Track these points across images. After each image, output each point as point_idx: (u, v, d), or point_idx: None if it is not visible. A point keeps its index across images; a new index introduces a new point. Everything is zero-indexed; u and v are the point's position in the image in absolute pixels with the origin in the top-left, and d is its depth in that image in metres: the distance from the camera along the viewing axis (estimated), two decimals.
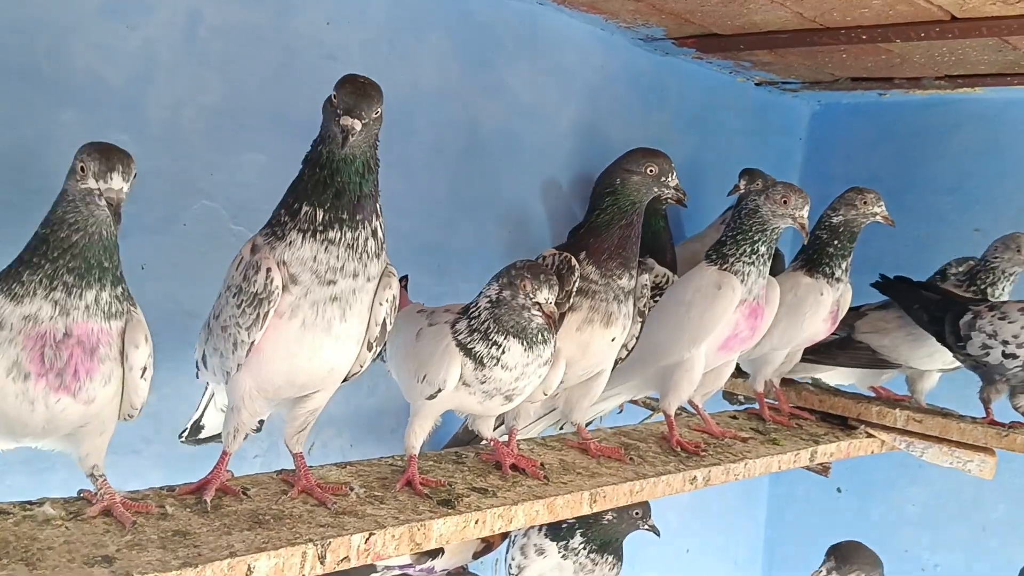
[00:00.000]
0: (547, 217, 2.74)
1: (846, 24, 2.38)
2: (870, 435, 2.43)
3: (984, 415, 2.39)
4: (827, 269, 2.33)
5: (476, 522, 1.52)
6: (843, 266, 2.35)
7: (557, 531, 2.25)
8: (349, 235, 1.36)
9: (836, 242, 2.33)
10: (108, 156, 1.20)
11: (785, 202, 1.98)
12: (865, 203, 2.30)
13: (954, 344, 2.46)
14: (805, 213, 2.00)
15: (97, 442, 1.31)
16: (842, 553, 2.41)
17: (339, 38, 2.19)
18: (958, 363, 2.57)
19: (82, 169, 1.20)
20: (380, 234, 1.42)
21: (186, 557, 1.20)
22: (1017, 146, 3.03)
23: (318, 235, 1.35)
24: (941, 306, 2.51)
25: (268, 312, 1.35)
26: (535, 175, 2.70)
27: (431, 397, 1.58)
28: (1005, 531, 3.04)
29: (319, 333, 1.38)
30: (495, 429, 1.81)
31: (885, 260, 2.71)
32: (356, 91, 1.36)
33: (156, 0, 1.90)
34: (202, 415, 1.79)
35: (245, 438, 1.50)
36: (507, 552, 2.39)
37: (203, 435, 1.81)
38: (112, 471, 1.35)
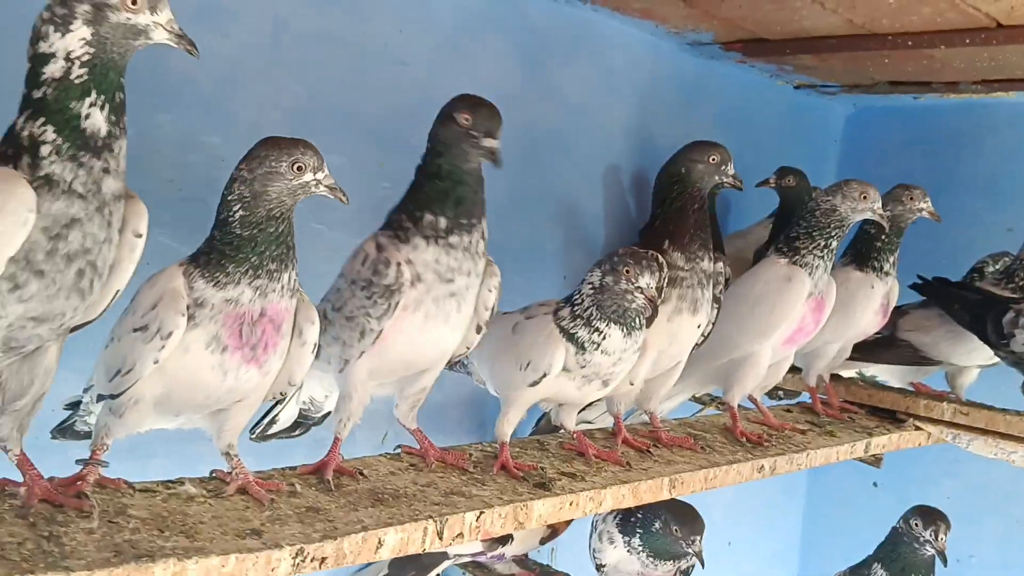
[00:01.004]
0: (601, 214, 2.83)
1: (894, 31, 2.47)
2: (918, 428, 2.51)
3: None
4: (876, 263, 2.42)
5: (570, 504, 1.60)
6: (891, 260, 2.44)
7: (625, 525, 2.32)
8: (466, 239, 1.52)
9: (884, 237, 2.41)
10: (313, 151, 1.38)
11: (865, 197, 2.09)
12: (912, 199, 2.39)
13: (997, 342, 2.53)
14: (880, 205, 2.10)
15: (242, 418, 1.42)
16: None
17: (409, 44, 2.27)
18: (996, 359, 2.65)
19: (297, 168, 1.35)
20: (486, 234, 1.56)
21: (324, 530, 1.28)
22: None
23: (440, 241, 1.51)
24: (982, 305, 2.59)
25: (398, 303, 1.49)
26: (588, 174, 2.79)
27: (534, 383, 1.68)
28: None
29: (439, 323, 1.54)
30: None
31: (921, 260, 2.78)
32: (491, 114, 1.54)
33: (245, 9, 1.99)
34: (279, 412, 1.87)
35: (353, 425, 1.59)
36: (589, 538, 2.46)
37: (273, 430, 1.89)
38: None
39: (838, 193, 2.18)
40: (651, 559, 2.28)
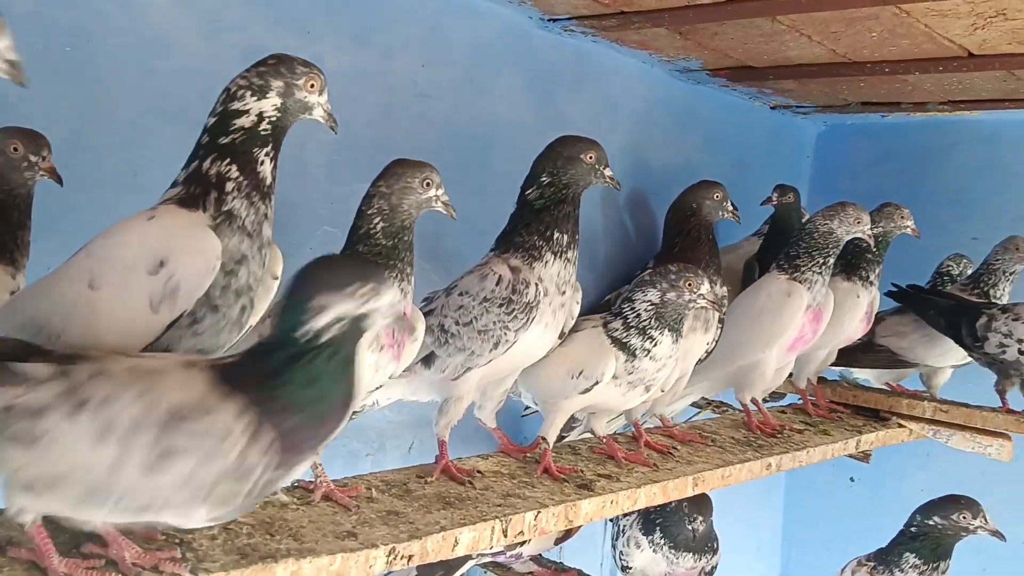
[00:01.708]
0: (600, 231, 3.00)
1: (873, 59, 2.68)
2: (901, 425, 2.72)
3: (1001, 405, 2.69)
4: (863, 273, 2.63)
5: (612, 502, 1.77)
6: (876, 271, 2.65)
7: (647, 524, 2.49)
8: (576, 253, 1.78)
9: (875, 250, 2.62)
10: (436, 171, 1.60)
11: (859, 222, 2.30)
12: (902, 217, 2.61)
13: (972, 344, 2.76)
14: (869, 228, 2.31)
15: None
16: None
17: (431, 79, 2.43)
18: (968, 360, 2.88)
19: (426, 184, 1.56)
20: None
21: (409, 531, 1.43)
22: (1012, 162, 3.35)
23: (562, 255, 1.76)
24: (955, 311, 2.82)
25: (535, 316, 1.73)
26: (591, 196, 2.94)
27: (586, 391, 1.83)
28: (1010, 512, 3.33)
29: (552, 331, 1.80)
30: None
31: (891, 268, 2.98)
32: (604, 151, 1.83)
33: (285, 49, 2.09)
34: None
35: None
36: (614, 543, 2.62)
37: None
38: None
39: (835, 217, 2.38)
40: (672, 551, 2.45)
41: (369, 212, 1.55)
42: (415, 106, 2.39)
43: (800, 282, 2.32)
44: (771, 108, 3.60)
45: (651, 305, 1.87)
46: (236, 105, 1.33)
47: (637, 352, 1.86)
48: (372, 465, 2.42)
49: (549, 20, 2.61)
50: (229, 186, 1.27)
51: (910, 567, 2.32)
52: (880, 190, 3.54)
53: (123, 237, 1.23)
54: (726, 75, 3.06)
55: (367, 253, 1.52)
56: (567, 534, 2.60)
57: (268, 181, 1.32)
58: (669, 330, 1.87)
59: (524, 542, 2.51)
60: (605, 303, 2.57)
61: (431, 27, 2.41)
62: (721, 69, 3.02)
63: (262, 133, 1.32)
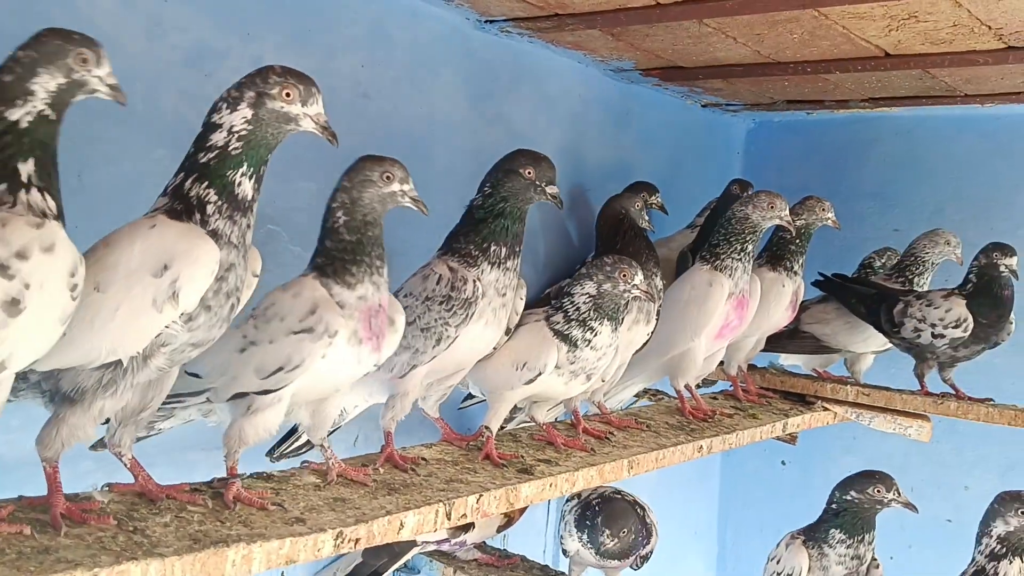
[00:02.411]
0: (539, 228, 3.08)
1: (795, 60, 2.81)
2: (826, 408, 2.85)
3: (919, 388, 2.84)
4: (788, 264, 2.75)
5: (551, 485, 1.85)
6: (800, 262, 2.77)
7: (580, 521, 2.58)
8: (516, 262, 1.87)
9: (797, 241, 2.74)
10: (401, 166, 1.64)
11: (772, 207, 2.40)
12: (823, 209, 2.73)
13: (890, 330, 2.90)
14: (787, 212, 2.42)
15: (334, 409, 1.71)
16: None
17: (372, 79, 2.48)
18: (889, 346, 3.03)
19: (386, 178, 1.60)
20: None
21: (356, 516, 1.50)
22: (930, 156, 3.52)
23: (500, 265, 1.85)
24: (875, 298, 2.96)
25: (474, 312, 1.80)
26: None
27: (530, 382, 1.91)
28: (931, 490, 3.52)
29: (494, 329, 1.88)
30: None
31: (816, 259, 3.12)
32: (550, 166, 1.88)
33: (228, 50, 2.16)
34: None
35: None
36: (557, 531, 2.71)
37: (294, 447, 2.08)
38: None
39: (749, 203, 2.49)
40: (598, 557, 2.55)
41: (333, 206, 1.61)
42: (357, 105, 2.44)
43: (721, 271, 2.43)
44: (702, 106, 3.72)
45: (589, 297, 1.95)
46: (214, 118, 1.39)
47: (578, 343, 1.95)
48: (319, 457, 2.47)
49: (486, 21, 2.68)
50: (210, 209, 1.35)
51: (837, 541, 2.44)
52: (806, 184, 3.68)
53: (127, 244, 1.31)
54: (658, 75, 3.16)
55: (334, 250, 1.58)
56: (509, 521, 2.69)
57: (249, 197, 1.39)
58: (608, 319, 1.97)
59: (469, 528, 2.59)
60: (545, 297, 2.65)
61: (372, 28, 2.46)
62: (653, 69, 3.12)
63: (233, 153, 1.37)
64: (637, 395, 3.05)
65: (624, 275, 1.96)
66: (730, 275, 2.45)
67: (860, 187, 3.69)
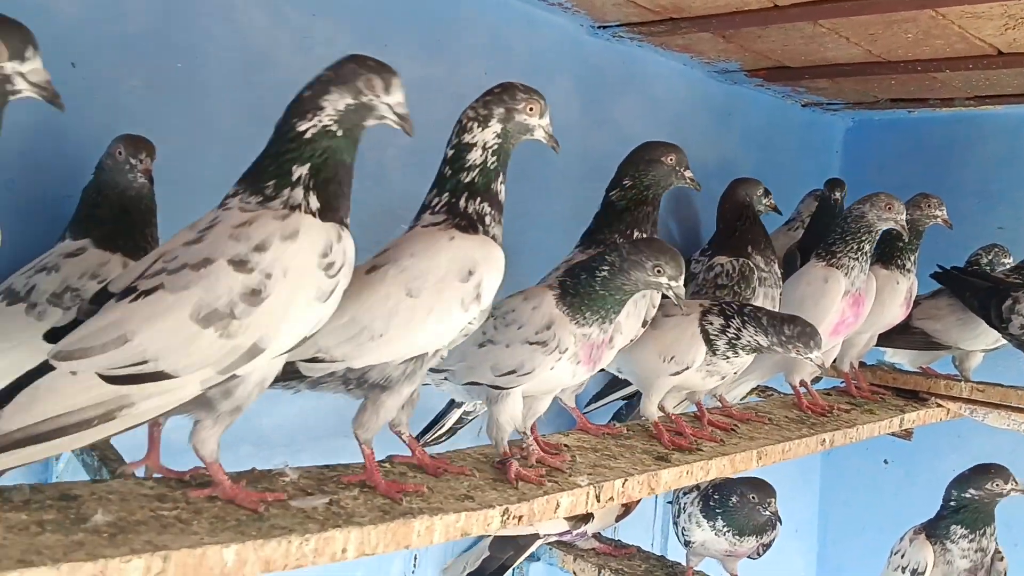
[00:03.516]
0: None
1: (907, 59, 2.83)
2: (939, 405, 2.86)
3: None
4: (899, 261, 2.76)
5: (687, 472, 1.92)
6: (912, 259, 2.79)
7: (707, 510, 2.63)
8: None
9: (905, 239, 2.76)
10: (676, 263, 1.75)
11: (890, 208, 2.43)
12: (929, 207, 2.74)
13: (999, 326, 2.90)
14: (904, 217, 2.44)
15: (545, 404, 1.88)
16: None
17: (493, 84, 2.58)
18: (1000, 343, 3.02)
19: (656, 271, 1.71)
20: None
21: (517, 495, 1.59)
22: None
23: None
24: (988, 293, 2.95)
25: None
26: None
27: (676, 374, 1.99)
28: None
29: (634, 319, 1.98)
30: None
31: (922, 256, 3.14)
32: (684, 153, 2.02)
33: None
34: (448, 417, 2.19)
35: None
36: (676, 519, 2.77)
37: (438, 433, 2.20)
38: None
39: (867, 203, 2.52)
40: (736, 536, 2.59)
41: (603, 266, 1.71)
42: None
43: (837, 268, 2.47)
44: (803, 105, 3.75)
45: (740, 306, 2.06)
46: (466, 138, 1.56)
47: (718, 353, 2.04)
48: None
49: (599, 27, 2.77)
50: (488, 219, 1.53)
51: (959, 537, 2.46)
52: (907, 183, 3.67)
53: (433, 255, 1.48)
54: (763, 75, 3.21)
55: (583, 288, 1.70)
56: (626, 512, 2.76)
57: (503, 200, 1.57)
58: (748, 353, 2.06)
59: (588, 518, 2.67)
60: None
61: (493, 37, 2.58)
62: (759, 70, 3.17)
63: (491, 167, 1.54)
64: (753, 391, 3.10)
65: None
66: (846, 273, 2.48)
67: (963, 185, 3.67)
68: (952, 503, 2.56)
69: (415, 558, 2.55)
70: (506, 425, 1.71)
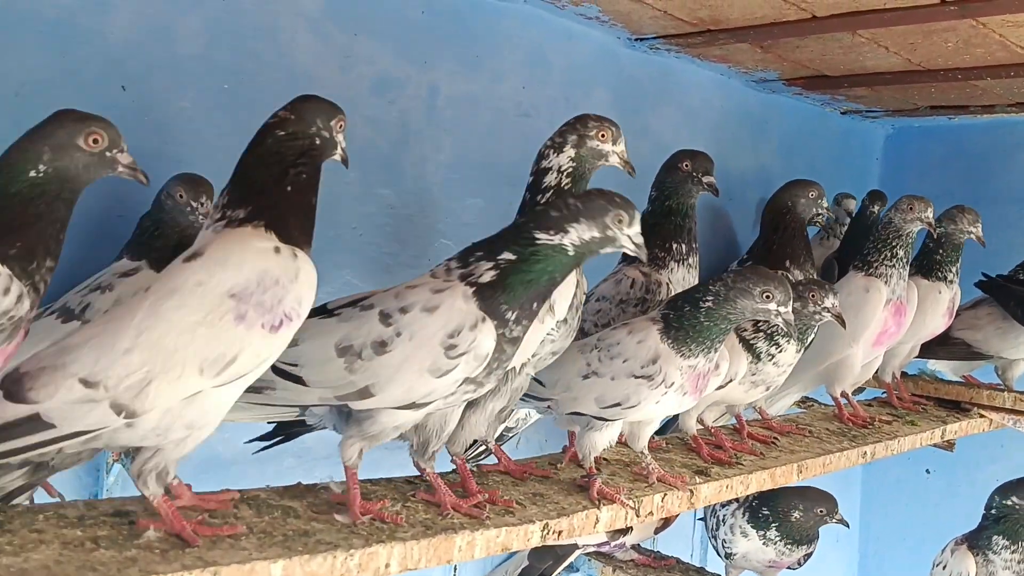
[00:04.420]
0: None
1: (947, 67, 2.81)
2: (982, 415, 2.84)
3: None
4: (940, 272, 2.74)
5: (727, 487, 1.93)
6: (953, 270, 2.76)
7: (757, 520, 2.64)
8: (696, 259, 1.99)
9: (941, 250, 2.74)
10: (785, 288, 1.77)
11: (911, 209, 2.42)
12: (965, 221, 2.70)
13: None
14: (930, 214, 2.43)
15: (652, 427, 1.90)
16: None
17: (531, 99, 2.61)
18: None
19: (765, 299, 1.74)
20: None
21: (557, 510, 1.61)
22: None
23: (684, 262, 1.98)
24: None
25: None
26: None
27: (720, 387, 2.00)
28: None
29: None
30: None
31: (965, 265, 3.08)
32: (707, 159, 2.02)
33: (407, 79, 2.32)
34: None
35: None
36: (715, 532, 2.77)
37: (473, 455, 2.21)
38: None
39: (893, 209, 2.53)
40: (788, 546, 2.59)
41: (708, 294, 1.72)
42: (518, 125, 2.58)
43: (876, 277, 2.45)
44: (841, 113, 3.73)
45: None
46: (543, 164, 1.66)
47: (762, 356, 2.03)
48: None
49: (637, 40, 2.78)
50: None
51: (1001, 547, 2.44)
52: (948, 190, 3.65)
53: None
54: (801, 84, 3.20)
55: (687, 322, 1.71)
56: (665, 524, 2.77)
57: None
58: (796, 339, 2.03)
59: (628, 530, 2.68)
60: None
61: (531, 52, 2.60)
62: (797, 79, 3.16)
63: (565, 187, 1.62)
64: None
65: (814, 297, 2.03)
66: (886, 281, 2.47)
67: (1005, 192, 3.63)
68: (994, 511, 2.54)
69: (455, 568, 2.57)
70: (600, 447, 1.76)
